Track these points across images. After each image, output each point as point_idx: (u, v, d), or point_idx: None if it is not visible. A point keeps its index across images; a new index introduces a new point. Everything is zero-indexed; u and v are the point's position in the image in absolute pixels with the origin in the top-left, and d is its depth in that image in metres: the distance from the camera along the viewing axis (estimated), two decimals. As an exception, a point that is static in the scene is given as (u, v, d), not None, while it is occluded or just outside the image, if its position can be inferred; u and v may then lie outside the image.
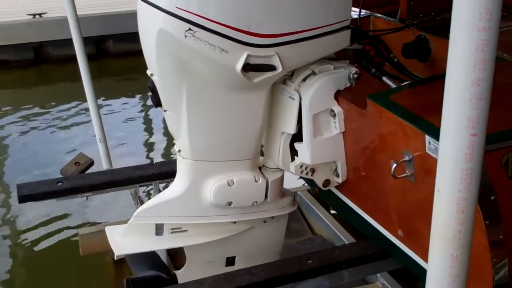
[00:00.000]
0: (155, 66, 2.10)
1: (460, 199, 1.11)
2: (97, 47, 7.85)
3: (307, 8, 2.06)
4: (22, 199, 2.95)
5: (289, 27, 2.04)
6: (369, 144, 2.24)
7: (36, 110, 6.44)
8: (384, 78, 2.36)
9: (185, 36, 1.95)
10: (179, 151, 2.29)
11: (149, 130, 6.03)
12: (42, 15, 7.70)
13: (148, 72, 2.17)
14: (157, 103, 2.20)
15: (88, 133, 5.01)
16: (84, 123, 5.77)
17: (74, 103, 6.36)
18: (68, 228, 4.21)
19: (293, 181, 3.45)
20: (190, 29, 1.93)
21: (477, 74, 1.02)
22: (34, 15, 7.71)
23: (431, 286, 1.20)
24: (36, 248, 4.05)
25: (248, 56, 2.01)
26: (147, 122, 6.22)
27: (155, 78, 2.15)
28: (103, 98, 6.52)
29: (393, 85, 2.32)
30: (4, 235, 4.17)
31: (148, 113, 6.31)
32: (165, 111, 2.22)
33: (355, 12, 2.65)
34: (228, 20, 1.94)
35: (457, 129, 1.07)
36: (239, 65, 2.01)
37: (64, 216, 4.31)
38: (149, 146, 5.62)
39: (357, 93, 2.24)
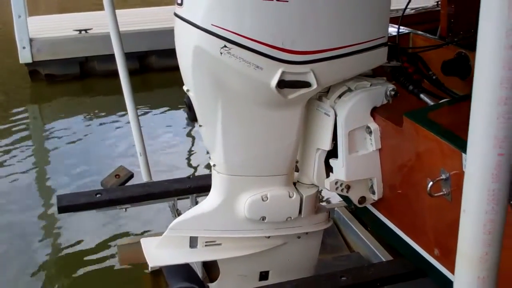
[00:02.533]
0: (191, 82, 2.13)
1: (487, 221, 1.09)
2: (140, 62, 7.99)
3: (343, 25, 2.07)
4: (62, 209, 3.03)
5: (325, 44, 2.04)
6: (406, 162, 2.22)
7: (81, 122, 6.59)
8: (421, 96, 2.34)
9: (221, 53, 1.97)
10: (214, 165, 2.32)
11: (189, 143, 6.09)
12: (87, 31, 7.89)
13: (185, 88, 2.20)
14: (193, 118, 2.23)
15: (130, 145, 5.09)
16: (126, 135, 5.86)
17: (117, 116, 6.49)
18: (108, 239, 4.27)
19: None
20: (225, 46, 1.96)
21: (504, 93, 1.00)
22: (80, 31, 7.91)
23: None
24: (76, 259, 4.13)
25: (283, 73, 2.02)
26: (188, 135, 6.29)
27: (191, 94, 2.18)
28: (145, 111, 6.64)
29: (430, 103, 2.29)
30: (44, 244, 4.25)
31: (190, 126, 6.40)
32: (200, 126, 2.25)
33: (394, 29, 2.64)
34: (263, 37, 1.96)
35: (484, 149, 1.06)
36: (274, 82, 2.02)
37: (105, 227, 4.38)
38: (189, 160, 5.67)
39: (394, 110, 2.23)
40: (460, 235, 1.15)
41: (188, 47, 2.04)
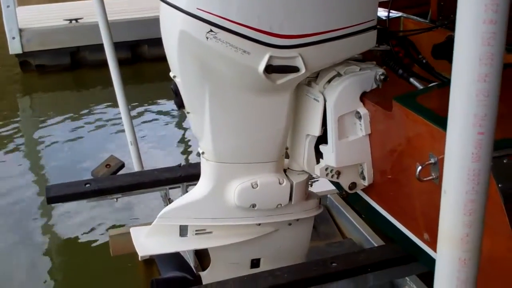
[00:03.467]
0: (177, 68, 2.10)
1: (467, 201, 1.07)
2: (132, 51, 7.94)
3: (331, 8, 2.03)
4: (50, 200, 3.00)
5: (313, 28, 2.01)
6: (395, 147, 2.20)
7: (72, 113, 6.55)
8: (411, 80, 2.32)
9: (207, 38, 1.94)
10: (203, 153, 2.29)
11: (181, 133, 6.07)
12: (78, 21, 7.84)
13: (171, 74, 2.17)
14: (180, 105, 2.20)
15: (122, 135, 5.06)
16: (118, 125, 5.84)
17: (109, 106, 6.46)
18: (100, 228, 4.26)
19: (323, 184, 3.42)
20: (211, 30, 1.93)
21: (484, 69, 0.98)
22: (70, 20, 7.85)
23: None
24: (68, 249, 4.12)
25: (271, 58, 1.99)
26: (180, 125, 6.27)
27: (177, 80, 2.15)
28: (137, 102, 6.61)
29: (420, 87, 2.27)
30: (37, 234, 4.24)
31: (182, 115, 6.37)
32: (188, 113, 2.22)
33: (384, 13, 2.62)
34: (250, 21, 1.93)
35: (463, 127, 1.03)
36: (262, 67, 1.99)
37: (97, 217, 4.36)
38: (180, 149, 5.66)
39: (384, 95, 2.20)
40: (441, 217, 1.13)
41: (173, 32, 2.01)
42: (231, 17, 1.93)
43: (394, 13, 2.83)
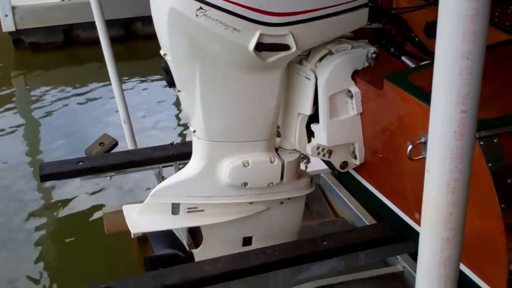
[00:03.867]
0: (168, 46, 2.09)
1: (450, 180, 1.07)
2: (125, 29, 7.88)
3: None
4: (44, 178, 3.00)
5: (303, 5, 2.00)
6: (387, 126, 2.20)
7: (66, 90, 6.53)
8: (403, 58, 2.31)
9: (196, 15, 1.93)
10: (194, 131, 2.29)
11: (175, 111, 6.06)
12: (71, -2, 7.77)
13: (161, 52, 2.16)
14: (171, 83, 2.20)
15: (116, 113, 5.06)
16: (112, 103, 5.82)
17: (102, 85, 6.42)
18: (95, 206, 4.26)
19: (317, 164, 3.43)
20: (201, 8, 1.92)
21: (467, 47, 0.97)
22: (63, -3, 7.78)
23: (422, 270, 1.17)
24: (64, 226, 4.13)
25: (261, 35, 1.98)
26: (173, 103, 6.25)
27: (168, 58, 2.14)
28: (130, 79, 6.57)
29: (412, 65, 2.26)
30: (32, 212, 4.25)
31: (174, 94, 6.34)
32: (179, 91, 2.21)
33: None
34: None
35: (446, 106, 1.03)
36: (252, 45, 1.99)
37: (92, 194, 4.37)
38: (174, 127, 5.65)
39: (375, 74, 2.20)
40: (425, 196, 1.13)
41: (163, 10, 2.00)
42: None
43: None
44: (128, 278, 2.28)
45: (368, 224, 3.07)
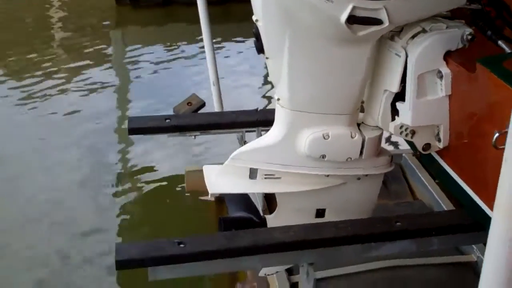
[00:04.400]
0: (260, 12, 2.10)
1: None
2: (223, -9, 7.96)
3: None
4: (132, 131, 3.12)
5: None
6: (475, 111, 2.13)
7: (160, 48, 6.71)
8: (499, 43, 2.21)
9: None
10: (278, 99, 2.30)
11: (264, 77, 6.10)
12: (173, -42, 7.91)
13: (254, 17, 2.18)
14: (260, 49, 2.21)
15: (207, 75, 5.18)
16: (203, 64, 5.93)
17: (196, 45, 6.55)
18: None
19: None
20: None
21: None
22: (167, -44, 7.93)
23: (490, 258, 1.14)
24: (148, 180, 4.29)
25: (354, 8, 1.95)
26: (264, 69, 6.29)
27: (259, 24, 2.16)
28: (223, 41, 6.65)
29: (508, 50, 2.17)
30: (119, 163, 4.44)
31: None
32: (267, 58, 2.23)
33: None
34: None
35: None
36: (344, 17, 1.96)
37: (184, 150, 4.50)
38: (262, 93, 5.69)
39: (469, 56, 2.12)
40: (499, 186, 1.10)
41: None
42: None
43: None
44: (201, 235, 2.35)
45: (446, 209, 3.00)
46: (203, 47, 6.09)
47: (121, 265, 2.15)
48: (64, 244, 3.72)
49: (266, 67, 6.17)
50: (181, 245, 2.20)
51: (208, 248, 2.22)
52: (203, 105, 3.98)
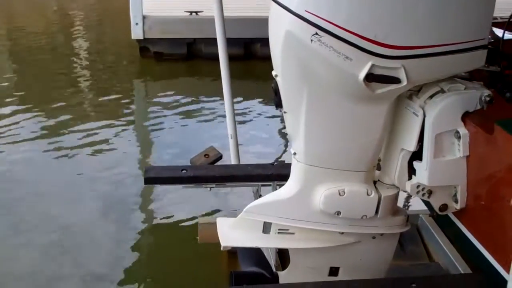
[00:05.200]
0: (280, 67, 2.13)
1: None
2: (245, 48, 8.09)
3: (441, 22, 1.98)
4: (148, 181, 3.14)
5: (420, 40, 1.97)
6: (493, 172, 2.12)
7: (182, 100, 6.81)
8: None
9: (311, 40, 1.96)
10: (294, 154, 2.31)
11: (281, 132, 6.13)
12: (198, 13, 8.09)
13: (273, 72, 2.21)
14: (278, 104, 2.24)
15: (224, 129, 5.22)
16: (222, 118, 5.98)
17: (218, 100, 6.63)
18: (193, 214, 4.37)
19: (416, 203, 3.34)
20: (316, 33, 1.94)
21: None
22: (191, 12, 8.12)
23: None
24: (160, 228, 4.26)
25: (373, 66, 1.97)
26: (282, 124, 6.33)
27: (278, 79, 2.18)
28: (243, 97, 6.73)
29: (527, 113, 2.16)
30: (130, 209, 4.43)
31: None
32: (285, 112, 2.25)
33: (499, 34, 2.51)
34: (356, 27, 1.92)
35: None
36: (362, 74, 1.98)
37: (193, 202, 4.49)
38: (278, 148, 5.71)
39: (487, 117, 2.12)
40: None
41: (279, 31, 2.05)
42: (338, 22, 1.93)
43: (509, 35, 2.70)
44: None
45: (462, 272, 2.93)
46: (223, 101, 6.27)
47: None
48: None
49: (278, 124, 6.23)
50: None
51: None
52: (220, 157, 3.98)
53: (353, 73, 2.00)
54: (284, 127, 6.13)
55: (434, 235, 3.39)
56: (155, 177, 3.12)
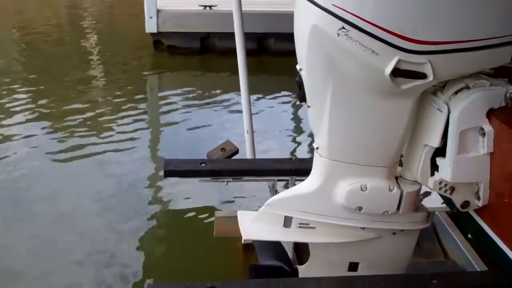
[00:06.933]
0: (305, 61, 2.13)
1: None
2: (259, 43, 8.08)
3: (469, 18, 1.98)
4: (167, 173, 3.15)
5: (447, 36, 1.97)
6: (518, 170, 2.11)
7: (195, 94, 6.81)
8: None
9: (338, 34, 1.96)
10: (317, 148, 2.31)
11: (295, 127, 6.13)
12: (212, 7, 8.08)
13: (298, 66, 2.21)
14: (302, 98, 2.24)
15: (240, 123, 5.22)
16: (238, 112, 5.98)
17: (231, 94, 6.63)
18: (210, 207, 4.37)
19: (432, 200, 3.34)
20: (343, 27, 1.94)
21: None
22: (205, 6, 8.12)
23: None
24: (177, 220, 4.27)
25: (399, 61, 1.97)
26: (295, 119, 6.33)
27: (303, 73, 2.18)
28: (257, 92, 6.73)
29: (552, 111, 2.15)
30: (149, 202, 4.44)
31: (298, 111, 6.43)
32: (308, 107, 2.25)
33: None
34: (383, 22, 1.92)
35: None
36: (388, 69, 1.98)
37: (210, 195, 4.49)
38: (293, 143, 5.70)
39: None
40: None
41: (305, 25, 2.05)
42: (365, 16, 1.93)
43: None
44: (233, 282, 2.33)
45: (478, 269, 2.93)
46: (236, 95, 6.27)
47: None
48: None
49: (293, 119, 6.21)
50: (213, 290, 2.18)
51: (240, 295, 2.19)
52: (236, 152, 3.99)
53: (379, 68, 2.00)
54: (298, 122, 6.19)
55: (450, 233, 3.39)
56: (175, 170, 3.13)
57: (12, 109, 6.16)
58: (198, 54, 8.15)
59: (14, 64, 7.97)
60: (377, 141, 2.24)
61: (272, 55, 8.06)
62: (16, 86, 6.88)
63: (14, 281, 3.47)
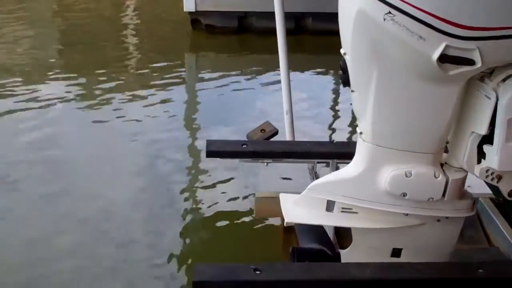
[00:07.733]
0: (349, 45, 2.10)
1: None
2: (296, 23, 8.01)
3: None
4: (209, 154, 3.18)
5: (497, 22, 1.91)
6: None
7: (234, 74, 6.81)
8: None
9: (384, 19, 1.92)
10: (361, 133, 2.29)
11: (335, 108, 6.08)
12: (250, -14, 8.03)
13: (342, 50, 2.18)
14: (346, 82, 2.21)
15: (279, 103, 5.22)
16: (275, 92, 5.96)
17: (270, 74, 6.60)
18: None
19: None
20: (390, 12, 1.91)
21: None
22: (243, -15, 8.08)
23: None
24: (217, 201, 4.29)
25: (447, 47, 1.93)
26: (336, 100, 6.28)
27: (347, 58, 2.16)
28: (295, 72, 6.69)
29: None
30: (186, 183, 4.48)
31: (339, 92, 6.38)
32: (352, 91, 2.22)
33: None
34: (431, 7, 1.88)
35: None
36: (436, 55, 1.94)
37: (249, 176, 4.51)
38: (332, 126, 5.67)
39: None
40: None
41: (351, 9, 2.02)
42: (412, 1, 1.89)
43: None
44: (277, 263, 2.34)
45: (524, 258, 2.88)
46: (275, 75, 6.23)
47: (198, 286, 2.17)
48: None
49: (333, 100, 6.16)
50: (257, 272, 2.20)
51: (284, 278, 2.20)
52: (276, 133, 3.98)
53: (426, 54, 1.96)
54: (336, 103, 6.13)
55: (495, 220, 3.33)
56: (217, 151, 3.16)
57: (52, 76, 6.41)
58: (236, 33, 8.12)
59: (56, 34, 8.12)
60: (423, 127, 2.20)
61: (310, 34, 7.98)
62: (53, 56, 7.04)
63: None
